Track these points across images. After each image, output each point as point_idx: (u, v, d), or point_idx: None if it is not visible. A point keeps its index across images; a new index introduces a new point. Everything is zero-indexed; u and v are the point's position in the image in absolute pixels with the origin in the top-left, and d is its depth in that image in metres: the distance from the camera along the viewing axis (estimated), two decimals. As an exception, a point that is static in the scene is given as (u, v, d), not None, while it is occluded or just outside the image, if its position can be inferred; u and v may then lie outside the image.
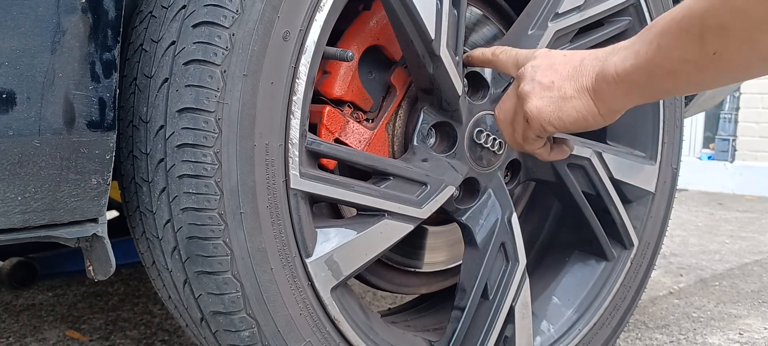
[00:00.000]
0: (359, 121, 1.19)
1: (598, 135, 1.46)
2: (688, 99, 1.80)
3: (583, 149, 1.35)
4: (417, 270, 1.42)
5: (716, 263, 2.91)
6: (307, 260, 1.01)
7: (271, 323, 0.99)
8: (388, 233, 1.10)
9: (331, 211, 1.24)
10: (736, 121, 6.42)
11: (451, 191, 1.18)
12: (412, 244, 1.38)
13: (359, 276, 1.30)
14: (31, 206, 0.85)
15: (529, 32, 1.26)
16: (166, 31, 0.94)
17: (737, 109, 6.39)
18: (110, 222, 0.97)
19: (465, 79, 1.21)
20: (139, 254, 1.07)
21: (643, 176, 1.45)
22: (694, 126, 7.12)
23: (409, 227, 1.12)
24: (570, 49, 1.31)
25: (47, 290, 2.17)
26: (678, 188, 1.56)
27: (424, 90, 1.19)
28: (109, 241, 0.94)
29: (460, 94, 1.17)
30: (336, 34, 1.14)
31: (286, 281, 0.99)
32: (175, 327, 1.81)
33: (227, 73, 0.91)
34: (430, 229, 1.40)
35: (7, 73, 0.81)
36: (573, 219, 1.44)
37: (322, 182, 1.02)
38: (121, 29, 0.90)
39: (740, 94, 6.28)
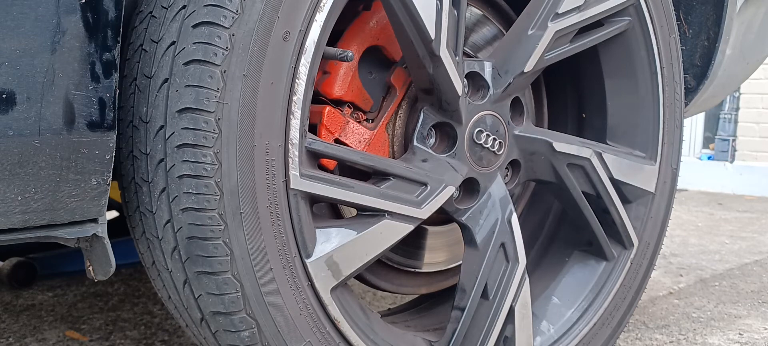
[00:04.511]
0: (359, 122, 1.19)
1: (598, 135, 1.46)
2: (688, 99, 1.79)
3: (583, 149, 1.35)
4: (417, 270, 1.42)
5: (716, 263, 2.90)
6: (307, 261, 1.01)
7: (271, 324, 0.99)
8: (388, 234, 1.10)
9: (331, 211, 1.24)
10: (736, 122, 6.41)
11: (451, 191, 1.18)
12: (412, 244, 1.38)
13: (359, 276, 1.30)
14: (31, 206, 0.85)
15: (529, 32, 1.26)
16: (166, 31, 0.94)
17: (737, 109, 6.38)
18: (110, 222, 0.97)
19: (465, 80, 1.21)
20: (139, 254, 1.07)
21: (643, 176, 1.45)
22: (694, 126, 7.10)
23: (409, 228, 1.12)
24: (569, 49, 1.32)
25: (47, 290, 2.17)
26: (678, 188, 1.55)
27: (424, 90, 1.19)
28: (109, 241, 0.94)
29: (460, 94, 1.17)
30: (336, 34, 1.14)
31: (286, 281, 0.99)
32: (175, 327, 1.81)
33: (227, 74, 0.91)
34: (430, 229, 1.40)
35: (7, 73, 0.81)
36: (573, 219, 1.44)
37: (322, 182, 1.02)
38: (121, 29, 0.90)
39: (740, 94, 6.27)
